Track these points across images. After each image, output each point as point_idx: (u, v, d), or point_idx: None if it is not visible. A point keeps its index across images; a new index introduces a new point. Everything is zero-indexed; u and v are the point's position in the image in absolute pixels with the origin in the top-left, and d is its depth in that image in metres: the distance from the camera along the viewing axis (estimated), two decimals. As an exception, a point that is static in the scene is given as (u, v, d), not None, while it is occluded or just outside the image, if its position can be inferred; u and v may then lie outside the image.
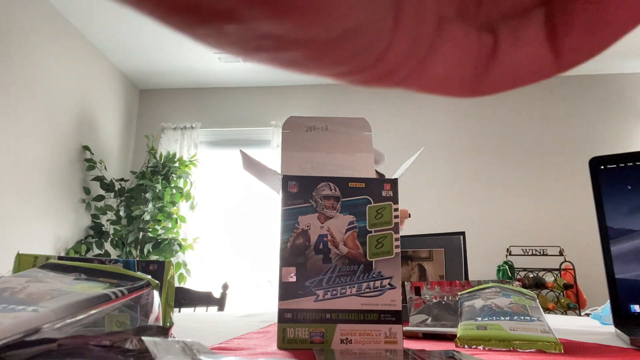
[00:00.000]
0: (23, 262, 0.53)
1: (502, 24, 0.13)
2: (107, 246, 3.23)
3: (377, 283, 0.49)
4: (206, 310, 1.85)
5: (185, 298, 1.79)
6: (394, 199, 0.51)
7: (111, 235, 3.12)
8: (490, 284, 0.63)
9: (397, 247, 0.50)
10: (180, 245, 3.12)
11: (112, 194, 3.22)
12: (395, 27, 0.11)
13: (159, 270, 0.56)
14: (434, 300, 0.69)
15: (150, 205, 3.07)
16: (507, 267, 2.94)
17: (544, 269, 3.02)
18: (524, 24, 0.13)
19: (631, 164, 0.68)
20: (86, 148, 3.14)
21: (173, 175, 3.27)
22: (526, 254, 3.09)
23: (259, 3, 0.09)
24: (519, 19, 0.13)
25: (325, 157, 0.57)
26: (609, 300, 0.68)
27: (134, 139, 3.83)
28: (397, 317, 0.48)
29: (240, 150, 0.78)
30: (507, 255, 3.15)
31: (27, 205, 2.60)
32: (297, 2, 0.09)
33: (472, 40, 0.13)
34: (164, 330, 0.30)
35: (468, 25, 0.13)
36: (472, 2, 0.13)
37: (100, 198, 3.12)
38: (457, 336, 0.52)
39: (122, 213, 3.14)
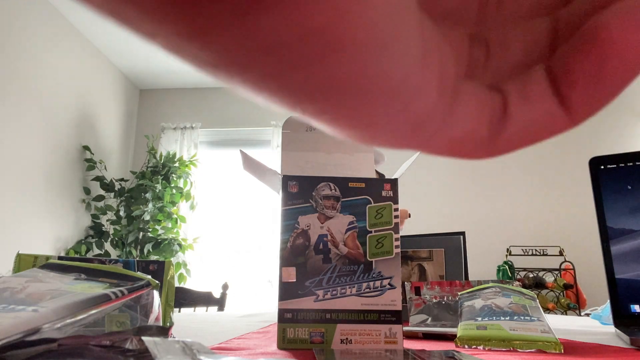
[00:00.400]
0: (23, 262, 0.53)
1: (510, 82, 0.13)
2: (107, 246, 3.23)
3: (377, 283, 0.49)
4: (206, 310, 1.85)
5: (185, 298, 1.79)
6: (394, 199, 0.51)
7: (111, 235, 3.12)
8: (490, 284, 0.63)
9: (397, 247, 0.50)
10: (180, 245, 3.12)
11: (112, 194, 3.22)
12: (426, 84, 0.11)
13: (159, 270, 0.56)
14: (434, 300, 0.69)
15: (150, 205, 3.07)
16: (507, 267, 2.94)
17: (544, 269, 3.02)
18: (529, 80, 0.13)
19: (631, 164, 0.68)
20: (86, 148, 3.14)
21: (173, 175, 3.27)
22: (526, 254, 3.09)
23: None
24: (524, 75, 0.13)
25: (325, 157, 0.57)
26: (609, 300, 0.68)
27: (134, 139, 3.83)
28: (397, 317, 0.48)
29: (241, 150, 0.78)
30: (507, 255, 3.15)
31: (27, 205, 2.60)
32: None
33: (483, 100, 0.13)
34: (164, 330, 0.30)
35: (478, 84, 0.13)
36: (480, 58, 0.13)
37: (100, 198, 3.12)
38: (457, 336, 0.52)
39: (122, 213, 3.14)
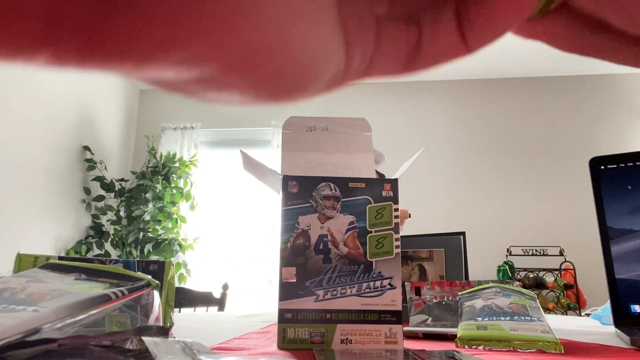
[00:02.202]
0: (23, 262, 0.53)
1: (424, 16, 0.16)
2: (108, 246, 3.23)
3: (378, 283, 0.49)
4: (206, 311, 1.85)
5: (186, 298, 1.79)
6: (394, 199, 0.51)
7: (111, 236, 3.12)
8: (491, 284, 0.63)
9: (397, 247, 0.50)
10: (180, 245, 3.12)
11: (113, 194, 3.22)
12: (348, 55, 0.14)
13: (159, 271, 0.56)
14: (434, 301, 0.69)
15: (150, 205, 3.07)
16: (507, 267, 2.94)
17: (544, 269, 3.02)
18: (440, 18, 0.16)
19: (631, 164, 0.68)
20: (86, 148, 3.14)
21: (173, 175, 3.27)
22: (526, 254, 3.09)
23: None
24: (436, 11, 0.16)
25: (325, 157, 0.57)
26: (609, 301, 0.68)
27: (134, 139, 3.83)
28: (398, 317, 0.48)
29: (241, 151, 0.78)
30: (507, 256, 3.15)
31: (28, 206, 2.60)
32: (289, 87, 0.12)
33: (403, 34, 0.15)
34: (164, 331, 0.30)
35: (398, 20, 0.16)
36: None
37: (100, 198, 3.12)
38: (457, 336, 0.52)
39: (122, 213, 3.14)
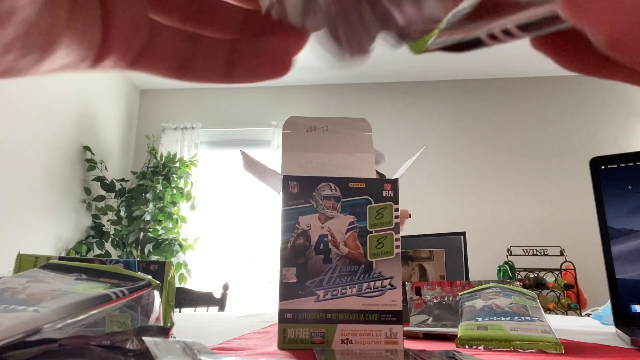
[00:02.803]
0: (24, 263, 0.53)
1: (203, 39, 0.19)
2: (108, 246, 3.23)
3: (378, 283, 0.49)
4: (207, 311, 1.85)
5: (186, 298, 1.79)
6: (395, 199, 0.51)
7: (112, 236, 3.12)
8: (491, 284, 0.63)
9: (397, 247, 0.50)
10: (180, 245, 3.12)
11: (113, 194, 3.23)
12: (106, 37, 0.17)
13: (159, 271, 0.56)
14: (435, 301, 0.69)
15: (150, 205, 3.07)
16: (507, 267, 2.94)
17: (544, 269, 3.02)
18: (215, 45, 0.19)
19: (632, 164, 0.68)
20: (87, 148, 3.14)
21: (173, 175, 3.27)
22: (527, 254, 3.09)
23: None
24: (214, 41, 0.19)
25: (325, 157, 0.57)
26: (609, 301, 0.68)
27: (134, 139, 3.83)
28: (398, 317, 0.48)
29: (241, 151, 0.78)
30: (507, 256, 3.15)
31: (28, 206, 2.60)
32: None
33: (176, 43, 0.18)
34: (164, 331, 0.30)
35: (175, 34, 0.19)
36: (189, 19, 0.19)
37: (100, 198, 3.12)
38: (458, 336, 0.52)
39: (122, 213, 3.14)
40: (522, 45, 3.20)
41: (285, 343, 0.47)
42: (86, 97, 3.18)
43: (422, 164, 3.49)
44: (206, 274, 3.36)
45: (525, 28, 0.13)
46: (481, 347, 0.50)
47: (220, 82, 0.19)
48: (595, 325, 0.85)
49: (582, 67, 0.16)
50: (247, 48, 0.19)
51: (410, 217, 0.97)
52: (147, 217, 3.02)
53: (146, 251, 3.02)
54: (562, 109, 3.55)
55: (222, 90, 3.85)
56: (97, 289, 0.33)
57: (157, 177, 3.20)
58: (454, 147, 3.56)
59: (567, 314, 2.75)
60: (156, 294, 0.38)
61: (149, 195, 3.10)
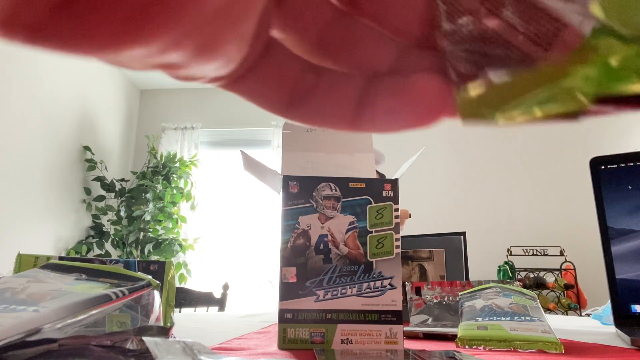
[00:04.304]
0: (24, 263, 0.53)
1: (328, 72, 0.15)
2: (108, 246, 3.23)
3: (378, 283, 0.49)
4: (207, 311, 1.85)
5: (186, 298, 1.79)
6: (395, 199, 0.51)
7: (112, 236, 3.12)
8: (491, 284, 0.63)
9: (397, 247, 0.50)
10: (180, 245, 3.12)
11: (113, 194, 3.22)
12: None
13: (159, 271, 0.56)
14: (435, 301, 0.69)
15: (150, 205, 3.07)
16: (507, 267, 2.94)
17: (544, 269, 3.02)
18: (344, 81, 0.15)
19: (631, 164, 0.68)
20: (87, 148, 3.14)
21: (174, 175, 3.27)
22: (527, 254, 3.09)
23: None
24: (341, 74, 0.15)
25: (325, 157, 0.57)
26: (609, 301, 0.68)
27: (134, 139, 3.83)
28: (398, 317, 0.48)
29: (241, 151, 0.78)
30: (507, 256, 3.15)
31: (28, 206, 2.60)
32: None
33: (293, 71, 0.15)
34: (164, 331, 0.30)
35: (295, 60, 0.15)
36: (315, 50, 0.16)
37: (100, 198, 3.12)
38: (458, 336, 0.52)
39: (122, 213, 3.14)
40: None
41: (285, 343, 0.47)
42: (86, 97, 3.18)
43: (422, 164, 3.49)
44: (206, 274, 3.35)
45: None
46: (481, 347, 0.50)
47: (343, 127, 0.15)
48: (595, 325, 0.85)
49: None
50: (386, 86, 0.15)
51: (410, 217, 0.98)
52: (147, 217, 3.02)
53: (146, 251, 3.02)
54: (562, 109, 3.55)
55: (222, 90, 3.84)
56: (97, 289, 0.33)
57: (157, 177, 3.20)
58: (454, 147, 3.56)
59: (567, 314, 2.75)
60: (156, 294, 0.38)
61: (149, 195, 3.10)
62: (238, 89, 0.15)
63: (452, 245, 0.89)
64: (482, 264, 3.21)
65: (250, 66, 0.14)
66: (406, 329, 0.61)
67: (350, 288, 0.48)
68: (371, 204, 0.51)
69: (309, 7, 0.15)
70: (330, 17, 0.15)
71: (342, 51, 0.15)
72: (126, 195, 3.16)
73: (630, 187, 0.68)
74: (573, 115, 0.12)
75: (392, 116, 0.14)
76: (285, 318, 0.48)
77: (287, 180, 0.51)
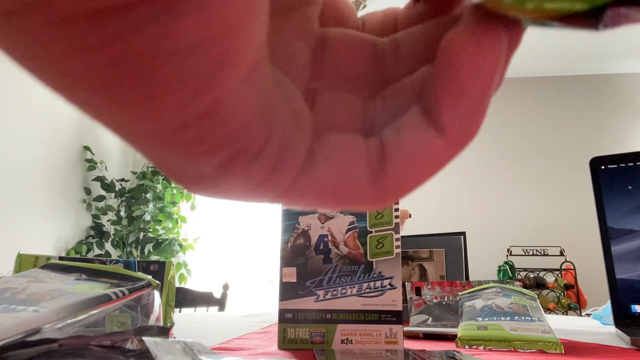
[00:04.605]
0: (24, 263, 0.53)
1: (387, 127, 0.13)
2: (108, 246, 3.23)
3: (378, 283, 0.49)
4: (207, 311, 1.85)
5: (186, 298, 1.79)
6: (395, 199, 0.51)
7: (112, 236, 3.12)
8: (491, 284, 0.63)
9: (397, 247, 0.50)
10: (180, 245, 3.12)
11: (113, 194, 3.23)
12: (273, 117, 0.11)
13: (159, 271, 0.56)
14: (435, 301, 0.69)
15: (150, 205, 3.07)
16: (507, 267, 2.94)
17: (544, 269, 3.02)
18: (403, 119, 0.13)
19: (632, 164, 0.68)
20: (87, 148, 3.14)
21: (174, 175, 3.27)
22: (527, 254, 3.09)
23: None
24: (400, 118, 0.13)
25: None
26: (609, 301, 0.68)
27: (134, 139, 3.83)
28: (398, 317, 0.48)
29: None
30: (507, 256, 3.15)
31: (28, 206, 2.60)
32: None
33: (357, 145, 0.13)
34: (164, 331, 0.30)
35: (352, 133, 0.13)
36: (367, 113, 0.14)
37: (100, 198, 3.12)
38: (458, 336, 0.52)
39: (122, 213, 3.14)
40: (523, 45, 3.19)
41: (285, 343, 0.47)
42: (86, 97, 3.18)
43: (422, 164, 3.49)
44: (206, 274, 3.36)
45: None
46: (481, 347, 0.50)
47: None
48: (595, 325, 0.85)
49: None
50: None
51: (410, 217, 0.98)
52: (147, 217, 3.02)
53: (146, 251, 3.02)
54: (563, 108, 3.55)
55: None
56: (97, 289, 0.33)
57: (157, 177, 3.20)
58: (454, 147, 3.56)
59: (567, 314, 2.75)
60: (156, 294, 0.38)
61: (149, 195, 3.10)
62: (305, 192, 0.13)
63: (452, 245, 0.89)
64: (482, 264, 3.21)
65: (302, 166, 0.12)
66: (406, 329, 0.61)
67: (350, 288, 0.48)
68: (371, 204, 0.51)
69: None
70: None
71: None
72: (126, 195, 3.16)
73: (630, 187, 0.68)
74: (592, 18, 0.10)
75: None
76: (285, 318, 0.48)
77: (287, 180, 0.51)
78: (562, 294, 2.89)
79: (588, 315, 1.37)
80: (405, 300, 0.73)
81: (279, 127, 0.11)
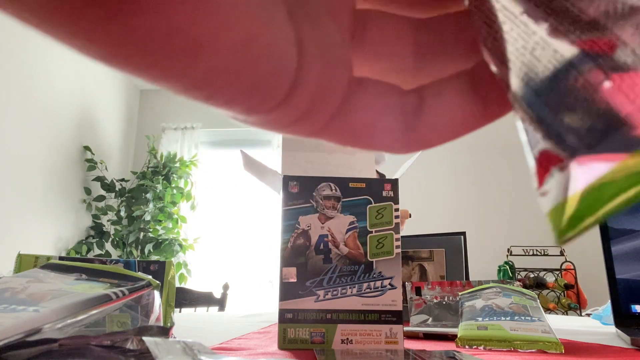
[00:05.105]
0: (24, 263, 0.53)
1: (429, 85, 0.14)
2: (108, 246, 3.23)
3: (378, 283, 0.49)
4: (207, 311, 1.85)
5: (186, 298, 1.79)
6: (395, 199, 0.51)
7: (112, 236, 3.12)
8: (491, 284, 0.63)
9: (397, 247, 0.50)
10: (180, 245, 3.12)
11: (113, 194, 3.22)
12: (301, 65, 0.12)
13: (159, 271, 0.56)
14: (435, 301, 0.69)
15: (151, 205, 3.07)
16: (507, 267, 2.94)
17: (544, 269, 3.02)
18: (447, 80, 0.14)
19: (632, 164, 0.68)
20: (87, 148, 3.14)
21: (174, 175, 3.27)
22: (527, 254, 3.09)
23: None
24: (444, 79, 0.14)
25: (326, 157, 0.57)
26: (609, 301, 0.68)
27: (134, 139, 3.83)
28: (398, 317, 0.48)
29: (241, 151, 0.78)
30: (507, 256, 3.15)
31: (28, 206, 2.60)
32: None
33: (396, 96, 0.14)
34: (164, 331, 0.30)
35: (391, 85, 0.14)
36: (408, 70, 0.14)
37: (101, 198, 3.12)
38: (458, 336, 0.52)
39: (122, 213, 3.14)
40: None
41: (285, 343, 0.47)
42: (86, 97, 3.18)
43: (422, 164, 3.49)
44: (206, 274, 3.35)
45: None
46: (481, 347, 0.50)
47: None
48: (595, 325, 0.85)
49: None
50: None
51: (410, 217, 0.98)
52: (147, 217, 3.02)
53: (146, 251, 3.02)
54: (562, 109, 3.55)
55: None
56: (97, 289, 0.33)
57: (157, 177, 3.19)
58: (454, 147, 3.56)
59: (567, 314, 2.75)
60: (156, 294, 0.38)
61: (149, 195, 3.10)
62: (338, 133, 0.14)
63: (452, 245, 0.89)
64: (482, 264, 3.21)
65: (339, 103, 0.13)
66: (406, 329, 0.61)
67: (350, 288, 0.48)
68: (371, 204, 0.51)
69: (392, 35, 0.14)
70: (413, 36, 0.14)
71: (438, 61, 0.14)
72: (126, 195, 3.16)
73: (630, 187, 0.67)
74: None
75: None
76: (286, 318, 0.48)
77: (287, 180, 0.51)
78: (562, 294, 2.89)
79: (588, 315, 1.37)
80: (405, 300, 0.73)
81: (310, 77, 0.12)
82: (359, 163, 0.57)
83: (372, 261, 0.49)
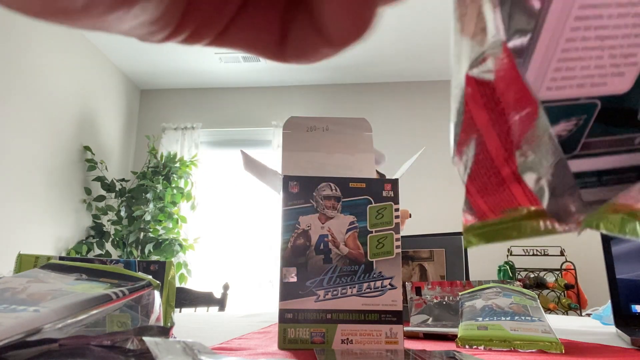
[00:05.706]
0: (24, 262, 0.53)
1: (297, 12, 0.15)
2: (108, 246, 3.23)
3: (378, 283, 0.49)
4: (207, 311, 1.85)
5: (186, 298, 1.79)
6: (395, 199, 0.51)
7: (112, 236, 3.12)
8: (491, 284, 0.63)
9: (397, 247, 0.50)
10: (181, 245, 3.12)
11: (113, 194, 3.23)
12: None
13: (159, 271, 0.56)
14: (435, 301, 0.69)
15: (151, 205, 3.07)
16: (508, 267, 2.94)
17: (544, 269, 3.02)
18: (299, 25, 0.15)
19: (632, 164, 0.68)
20: (87, 148, 3.14)
21: (174, 175, 3.27)
22: (527, 254, 3.09)
23: None
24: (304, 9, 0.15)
25: (326, 157, 0.57)
26: (609, 301, 0.68)
27: (134, 139, 3.83)
28: (398, 317, 0.48)
29: (241, 151, 0.78)
30: (507, 256, 3.15)
31: (28, 206, 2.60)
32: None
33: (271, 25, 0.15)
34: (164, 331, 0.30)
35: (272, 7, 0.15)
36: None
37: (101, 198, 3.12)
38: (458, 336, 0.52)
39: (123, 213, 3.14)
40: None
41: (285, 343, 0.47)
42: (86, 97, 3.18)
43: (422, 164, 3.49)
44: (206, 274, 3.36)
45: None
46: (481, 347, 0.50)
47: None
48: (595, 325, 0.85)
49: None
50: None
51: (410, 217, 0.98)
52: (148, 217, 3.02)
53: (146, 251, 3.02)
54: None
55: (222, 90, 3.85)
56: (97, 289, 0.33)
57: (158, 177, 3.20)
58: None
59: (567, 314, 2.75)
60: (156, 294, 0.38)
61: (149, 195, 3.10)
62: (225, 44, 0.15)
63: (452, 245, 0.89)
64: (482, 264, 3.21)
65: (233, 17, 0.14)
66: (406, 329, 0.61)
67: (350, 288, 0.48)
68: (371, 204, 0.51)
69: None
70: None
71: None
72: (126, 195, 3.16)
73: (630, 187, 0.67)
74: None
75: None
76: (286, 318, 0.48)
77: (287, 180, 0.51)
78: (562, 294, 2.89)
79: (588, 315, 1.37)
80: (405, 300, 0.73)
81: (195, 11, 0.13)
82: (359, 163, 0.57)
83: (372, 261, 0.49)
